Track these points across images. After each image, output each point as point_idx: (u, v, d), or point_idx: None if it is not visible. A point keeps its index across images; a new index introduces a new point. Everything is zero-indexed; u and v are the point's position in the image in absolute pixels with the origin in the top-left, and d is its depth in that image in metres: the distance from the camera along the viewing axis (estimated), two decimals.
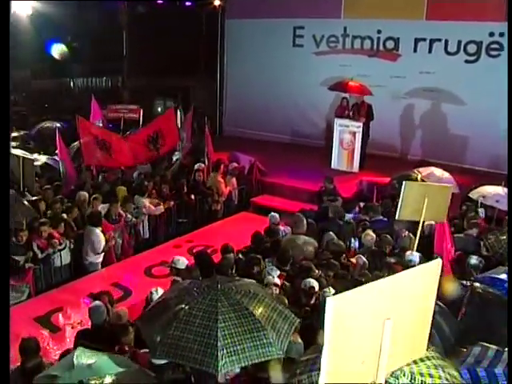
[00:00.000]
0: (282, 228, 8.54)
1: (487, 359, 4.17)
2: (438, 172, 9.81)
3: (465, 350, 4.15)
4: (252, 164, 12.53)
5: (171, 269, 6.86)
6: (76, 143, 10.89)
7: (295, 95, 15.47)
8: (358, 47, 14.73)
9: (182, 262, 6.75)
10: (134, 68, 20.43)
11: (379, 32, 14.27)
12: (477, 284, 5.34)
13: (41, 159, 11.26)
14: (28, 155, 10.35)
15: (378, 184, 11.23)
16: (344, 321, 2.25)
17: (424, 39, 13.63)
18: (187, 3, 17.90)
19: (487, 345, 4.26)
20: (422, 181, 9.40)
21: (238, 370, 4.30)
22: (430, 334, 3.93)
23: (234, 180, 11.64)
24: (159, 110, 17.44)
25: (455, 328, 4.49)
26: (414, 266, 6.62)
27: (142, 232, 9.88)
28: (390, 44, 14.26)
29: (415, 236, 6.97)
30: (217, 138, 17.10)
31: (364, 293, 2.33)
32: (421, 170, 9.98)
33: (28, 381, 4.47)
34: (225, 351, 3.65)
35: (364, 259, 6.96)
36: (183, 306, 4.00)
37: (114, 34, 19.05)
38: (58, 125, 13.32)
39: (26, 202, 8.40)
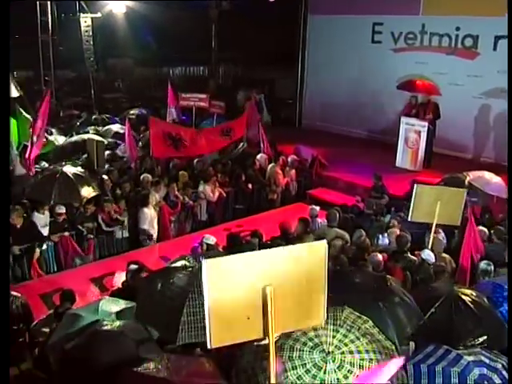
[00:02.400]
0: (319, 220, 9.03)
1: (434, 357, 4.52)
2: (487, 175, 9.72)
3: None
4: (314, 157, 13.02)
5: (202, 244, 7.66)
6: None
7: (372, 91, 15.62)
8: (436, 44, 14.55)
9: (212, 239, 7.53)
10: (221, 59, 21.59)
11: (458, 29, 14.00)
12: (464, 289, 5.49)
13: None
14: (99, 138, 11.67)
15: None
16: (219, 281, 2.89)
17: (504, 37, 13.17)
18: None
19: (441, 345, 4.59)
20: (470, 184, 9.44)
21: None
22: (383, 320, 4.47)
23: (292, 172, 12.23)
24: (242, 101, 18.33)
25: (416, 322, 4.83)
26: (428, 264, 6.96)
27: (199, 215, 10.85)
28: (469, 42, 13.94)
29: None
30: (295, 130, 17.87)
31: (239, 259, 2.97)
32: (472, 172, 9.92)
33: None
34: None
35: (379, 257, 7.23)
36: None
37: (204, 27, 20.29)
38: (139, 112, 14.64)
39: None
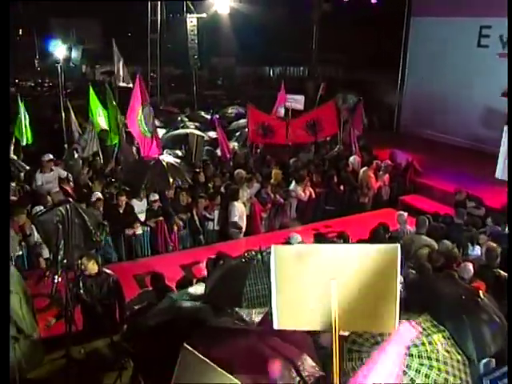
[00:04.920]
0: (407, 227, 8.89)
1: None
2: None
3: None
4: (409, 163, 12.75)
5: (288, 243, 7.80)
6: (234, 123, 12.43)
7: (476, 97, 15.01)
8: None
9: (296, 238, 7.65)
10: (320, 61, 21.62)
11: None
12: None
13: None
14: (200, 133, 12.22)
15: None
16: (286, 267, 3.03)
17: None
18: (372, 0, 18.35)
19: None
20: None
21: None
22: (464, 333, 4.41)
23: (386, 176, 12.06)
24: (340, 103, 18.23)
25: (501, 342, 4.68)
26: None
27: (289, 213, 11.02)
28: None
29: None
30: (391, 134, 17.56)
31: (307, 249, 3.09)
32: None
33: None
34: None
35: (470, 267, 7.00)
36: None
37: (306, 27, 20.45)
38: (236, 111, 15.07)
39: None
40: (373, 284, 3.14)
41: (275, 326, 3.20)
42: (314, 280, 3.09)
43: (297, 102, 14.03)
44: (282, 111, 14.36)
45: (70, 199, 5.85)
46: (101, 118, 12.84)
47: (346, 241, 7.92)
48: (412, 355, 3.63)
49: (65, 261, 5.41)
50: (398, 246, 3.17)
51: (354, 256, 3.12)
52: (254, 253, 6.02)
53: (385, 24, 19.05)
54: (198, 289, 5.49)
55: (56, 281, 5.45)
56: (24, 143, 12.85)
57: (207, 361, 2.97)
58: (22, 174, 10.67)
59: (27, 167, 10.92)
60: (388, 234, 8.17)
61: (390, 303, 3.23)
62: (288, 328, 3.30)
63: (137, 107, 10.50)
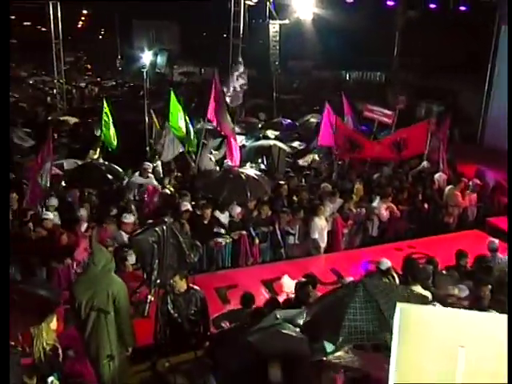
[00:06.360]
0: (499, 256, 8.43)
1: None
2: None
3: None
4: (497, 182, 12.13)
5: (377, 267, 7.62)
6: None
7: None
8: None
9: (385, 263, 7.42)
10: (401, 67, 21.10)
11: None
12: None
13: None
14: (282, 145, 12.16)
15: None
16: (412, 330, 2.91)
17: None
18: (461, 8, 17.60)
19: None
20: None
21: None
22: None
23: (473, 196, 11.54)
24: (422, 112, 17.70)
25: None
26: None
27: (370, 230, 10.76)
28: None
29: None
30: (475, 148, 16.77)
31: (435, 312, 2.94)
32: None
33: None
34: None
35: None
36: None
37: (387, 32, 20.05)
38: (317, 120, 14.87)
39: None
40: (502, 356, 2.94)
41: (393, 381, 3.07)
42: (439, 344, 2.95)
43: (385, 116, 13.55)
44: (350, 121, 14.08)
45: (166, 219, 5.89)
46: (181, 121, 12.92)
47: (435, 267, 7.65)
48: None
49: (158, 281, 5.49)
50: None
51: (486, 324, 2.97)
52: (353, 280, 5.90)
53: (473, 32, 18.27)
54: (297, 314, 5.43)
55: (149, 300, 5.54)
56: (110, 147, 13.13)
57: None
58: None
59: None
60: (484, 264, 7.77)
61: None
62: None
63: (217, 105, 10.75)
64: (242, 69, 16.06)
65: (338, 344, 4.71)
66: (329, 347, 4.93)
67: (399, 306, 2.91)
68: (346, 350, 4.84)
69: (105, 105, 13.18)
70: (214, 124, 11.89)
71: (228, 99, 14.50)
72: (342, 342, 4.70)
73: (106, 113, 13.04)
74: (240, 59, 16.66)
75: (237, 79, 15.73)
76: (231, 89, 15.47)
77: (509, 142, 9.29)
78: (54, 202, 9.50)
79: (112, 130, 13.08)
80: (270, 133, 14.09)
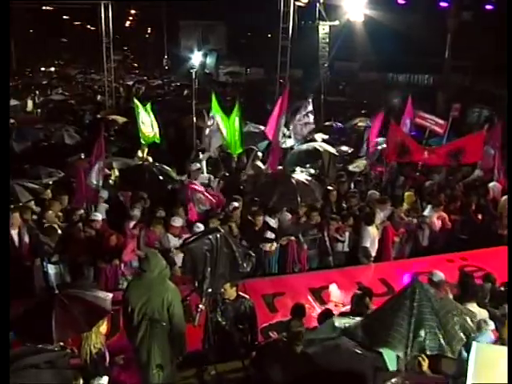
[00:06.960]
0: None
1: None
2: None
3: None
4: None
5: (429, 279, 7.32)
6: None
7: None
8: None
9: (438, 276, 7.11)
10: (453, 70, 20.54)
11: None
12: None
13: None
14: (332, 149, 11.93)
15: None
16: (486, 368, 2.74)
17: None
18: None
19: None
20: None
21: None
22: None
23: None
24: (474, 118, 17.13)
25: None
26: None
27: (421, 239, 10.43)
28: None
29: None
30: None
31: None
32: None
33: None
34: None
35: None
36: None
37: (439, 34, 19.57)
38: (365, 124, 14.58)
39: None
40: None
41: None
42: None
43: (438, 125, 13.11)
44: (408, 124, 13.67)
45: (219, 228, 5.82)
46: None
47: (493, 284, 7.32)
48: None
49: (210, 290, 5.42)
50: None
51: None
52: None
53: None
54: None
55: (200, 310, 5.48)
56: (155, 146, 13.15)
57: None
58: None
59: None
60: None
61: None
62: None
63: (280, 115, 10.54)
64: (310, 107, 13.48)
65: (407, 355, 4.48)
66: (391, 364, 4.72)
67: (475, 344, 2.75)
68: (403, 375, 4.59)
69: (139, 105, 13.10)
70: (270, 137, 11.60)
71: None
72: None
73: (145, 111, 12.96)
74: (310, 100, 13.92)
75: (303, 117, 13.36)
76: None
77: (509, 142, 8.87)
78: (105, 194, 9.72)
79: (156, 130, 13.03)
80: (318, 136, 13.86)
